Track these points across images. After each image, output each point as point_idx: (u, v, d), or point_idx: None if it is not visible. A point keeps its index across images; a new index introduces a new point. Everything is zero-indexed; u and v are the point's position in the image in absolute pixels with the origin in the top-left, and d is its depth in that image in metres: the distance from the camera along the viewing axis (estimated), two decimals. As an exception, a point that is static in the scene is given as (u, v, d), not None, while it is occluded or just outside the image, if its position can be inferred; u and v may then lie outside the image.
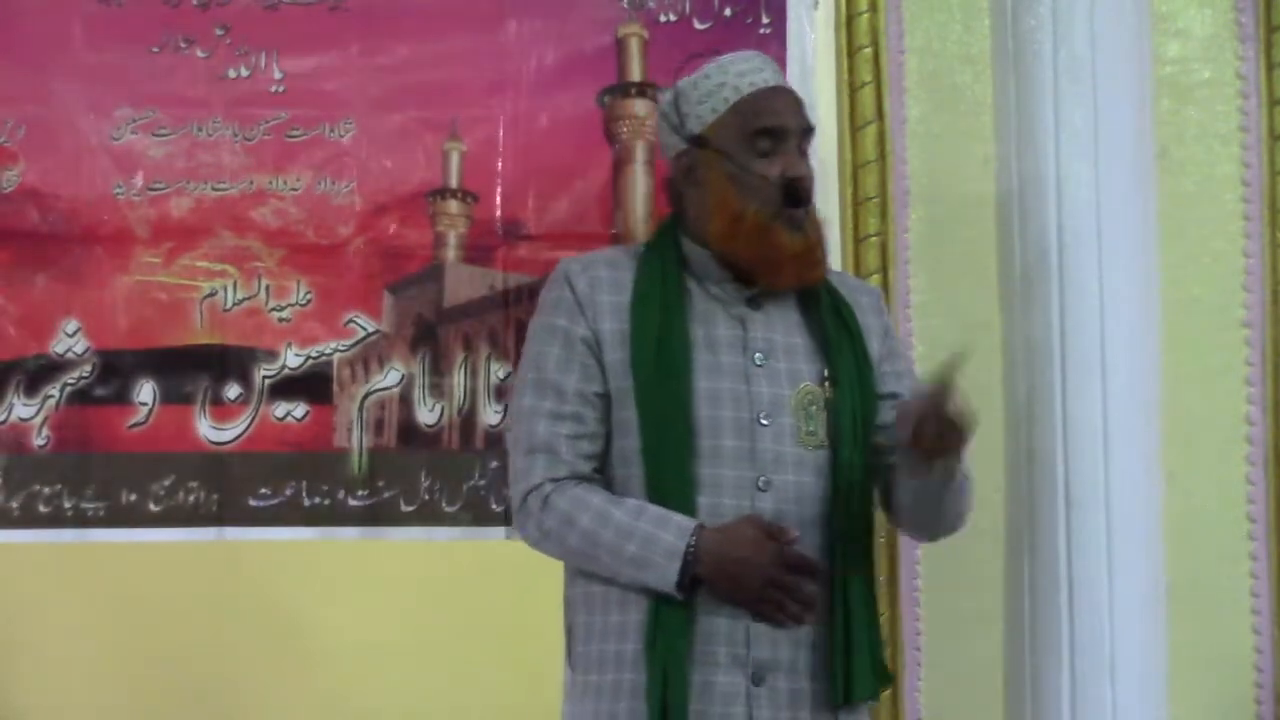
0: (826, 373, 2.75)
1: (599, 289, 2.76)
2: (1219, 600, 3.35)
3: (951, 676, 3.40)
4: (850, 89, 3.41)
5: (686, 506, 2.66)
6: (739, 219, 2.71)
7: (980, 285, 3.39)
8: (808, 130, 2.76)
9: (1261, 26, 3.35)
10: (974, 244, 3.40)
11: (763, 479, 2.70)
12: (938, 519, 2.80)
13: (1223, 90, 3.38)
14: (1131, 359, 3.28)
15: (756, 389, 2.72)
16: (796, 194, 2.70)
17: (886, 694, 3.37)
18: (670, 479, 2.68)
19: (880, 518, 2.88)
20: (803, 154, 2.74)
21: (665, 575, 2.63)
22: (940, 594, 3.40)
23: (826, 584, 2.70)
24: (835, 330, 2.77)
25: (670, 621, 2.65)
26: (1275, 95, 3.34)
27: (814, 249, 2.74)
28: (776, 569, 2.63)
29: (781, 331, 2.77)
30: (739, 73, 2.75)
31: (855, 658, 2.67)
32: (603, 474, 2.75)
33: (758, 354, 2.74)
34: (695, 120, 2.76)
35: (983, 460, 3.31)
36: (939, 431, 2.54)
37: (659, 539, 2.64)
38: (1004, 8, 3.35)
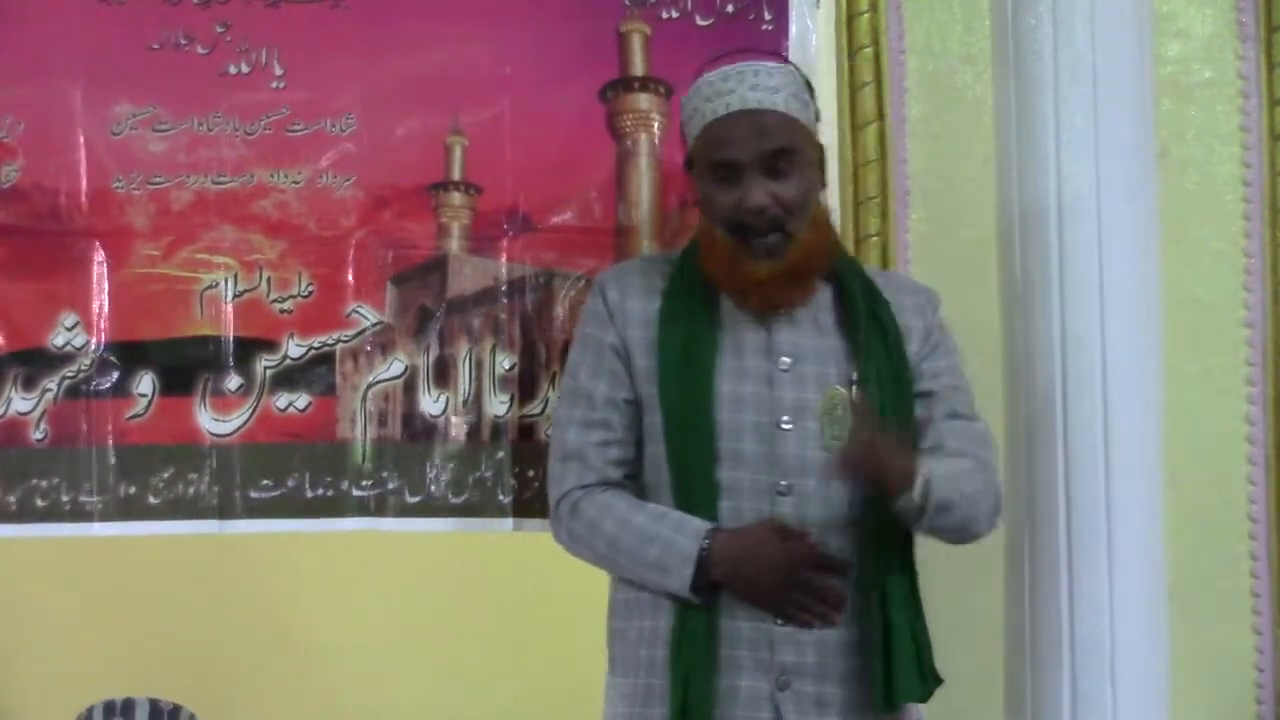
0: (855, 376, 2.75)
1: (629, 296, 2.81)
2: (1219, 600, 3.36)
3: (952, 677, 3.35)
4: (851, 89, 3.41)
5: (710, 511, 2.69)
6: (712, 244, 2.75)
7: (980, 285, 3.39)
8: (782, 151, 2.71)
9: (1262, 26, 3.36)
10: (974, 244, 3.41)
11: (784, 483, 2.71)
12: (943, 535, 2.80)
13: (1223, 90, 3.39)
14: (1131, 359, 3.29)
15: (780, 393, 2.74)
16: (741, 227, 2.70)
17: (886, 694, 3.37)
18: (693, 484, 2.71)
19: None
20: (781, 174, 2.71)
21: (680, 578, 2.65)
22: (940, 594, 3.37)
23: (858, 587, 2.71)
24: (868, 332, 2.77)
25: (693, 627, 2.67)
26: (1276, 95, 3.35)
27: (784, 273, 2.72)
28: (796, 568, 2.65)
29: (811, 335, 2.78)
30: (708, 96, 2.75)
31: (897, 662, 2.68)
32: (638, 480, 2.78)
33: (784, 358, 2.76)
34: (687, 140, 2.81)
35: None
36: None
37: (676, 543, 2.67)
38: (1004, 8, 3.36)
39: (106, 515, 3.20)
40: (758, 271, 2.71)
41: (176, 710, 3.35)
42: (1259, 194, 3.36)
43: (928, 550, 3.35)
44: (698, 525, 2.67)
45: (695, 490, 2.70)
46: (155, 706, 3.32)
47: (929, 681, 2.74)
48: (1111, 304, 3.26)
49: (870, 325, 2.78)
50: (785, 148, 2.71)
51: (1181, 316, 3.36)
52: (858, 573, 2.71)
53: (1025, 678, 3.30)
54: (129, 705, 3.31)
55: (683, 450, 2.71)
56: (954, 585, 3.37)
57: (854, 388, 2.75)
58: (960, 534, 2.78)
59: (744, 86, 2.73)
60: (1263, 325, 3.36)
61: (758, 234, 2.69)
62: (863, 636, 2.71)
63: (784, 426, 2.72)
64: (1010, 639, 3.34)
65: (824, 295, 2.81)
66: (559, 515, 2.79)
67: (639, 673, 2.74)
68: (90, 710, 3.32)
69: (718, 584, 2.66)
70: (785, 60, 2.91)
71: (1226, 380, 3.37)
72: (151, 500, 3.19)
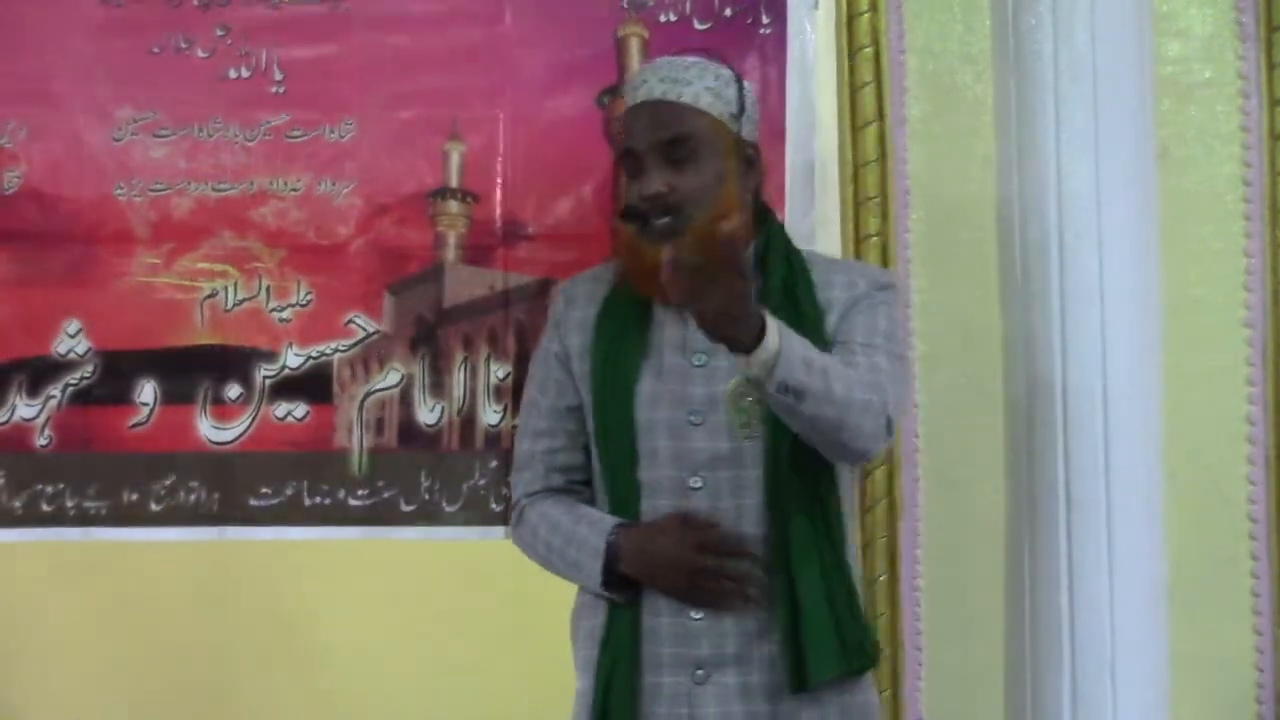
0: None
1: (573, 305, 2.86)
2: (1219, 600, 3.35)
3: (951, 677, 3.40)
4: (851, 89, 3.40)
5: (633, 511, 2.73)
6: (624, 237, 2.77)
7: (980, 285, 3.39)
8: (677, 140, 2.72)
9: (1262, 26, 3.35)
10: (974, 244, 3.40)
11: (695, 479, 2.72)
12: (811, 436, 2.64)
13: (1223, 90, 3.37)
14: (1132, 359, 3.28)
15: (692, 389, 2.74)
16: (629, 213, 2.72)
17: (887, 694, 3.38)
18: (619, 485, 2.75)
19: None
20: (679, 164, 2.71)
21: (593, 575, 2.72)
22: (940, 594, 3.40)
23: (773, 573, 2.69)
24: (779, 312, 2.67)
25: (619, 626, 2.72)
26: (1276, 95, 3.33)
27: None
28: (700, 556, 2.66)
29: None
30: (627, 91, 2.81)
31: (807, 640, 2.65)
32: (591, 485, 2.84)
33: (698, 354, 2.75)
34: None
35: (983, 460, 3.35)
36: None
37: (587, 540, 2.73)
38: (1005, 7, 3.35)
39: (110, 521, 3.22)
40: (652, 255, 2.67)
41: None
42: (1259, 194, 3.35)
43: (928, 550, 3.40)
44: (606, 522, 2.73)
45: (621, 491, 2.74)
46: None
47: (853, 655, 2.68)
48: (1111, 304, 3.26)
49: (785, 305, 2.73)
50: (680, 136, 2.72)
51: (1181, 316, 3.35)
52: (771, 558, 2.69)
53: (1025, 678, 3.30)
54: None
55: (608, 452, 2.76)
56: (954, 585, 3.39)
57: None
58: (831, 438, 2.62)
59: (654, 78, 2.77)
60: (1263, 325, 3.35)
61: (652, 219, 2.70)
62: (777, 620, 2.69)
63: (693, 421, 2.72)
64: (1010, 639, 3.34)
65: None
66: (512, 523, 2.89)
67: (586, 674, 2.78)
68: None
69: (628, 579, 2.70)
70: (729, 65, 2.85)
71: (1226, 380, 3.36)
72: (153, 507, 3.22)
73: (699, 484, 2.71)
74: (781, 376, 2.50)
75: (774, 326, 2.50)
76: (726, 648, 2.69)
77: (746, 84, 2.83)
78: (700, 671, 2.69)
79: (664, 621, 2.70)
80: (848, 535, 2.80)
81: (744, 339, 2.47)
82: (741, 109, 2.78)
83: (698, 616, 2.69)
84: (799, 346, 2.53)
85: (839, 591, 2.69)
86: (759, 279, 2.75)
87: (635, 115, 2.76)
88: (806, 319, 2.74)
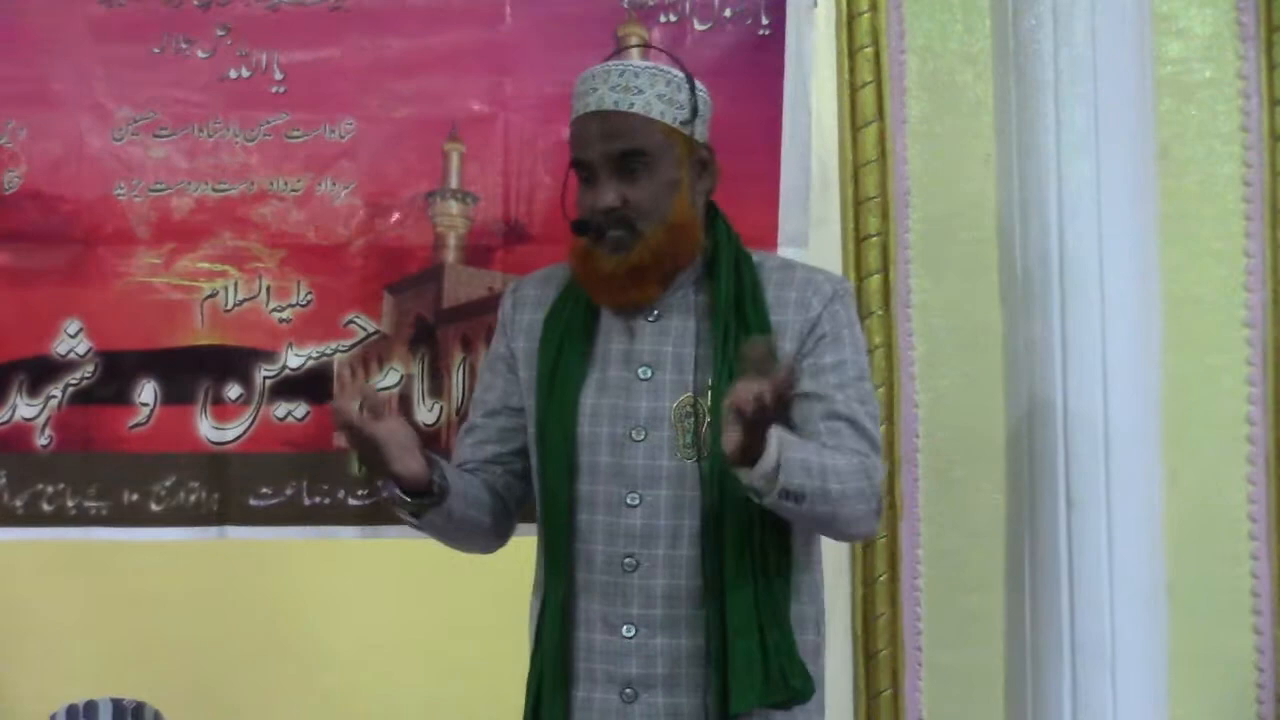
0: (710, 382, 2.68)
1: (521, 308, 2.84)
2: (1219, 600, 3.36)
3: (951, 676, 3.41)
4: (851, 89, 3.42)
5: (565, 523, 2.70)
6: (577, 248, 2.74)
7: (980, 285, 3.40)
8: (630, 153, 2.69)
9: (1262, 26, 3.36)
10: (974, 244, 3.41)
11: (632, 496, 2.69)
12: (808, 525, 2.68)
13: (1224, 90, 3.38)
14: (1132, 359, 3.28)
15: (635, 403, 2.71)
16: (581, 227, 2.70)
17: (887, 694, 3.39)
18: (552, 497, 2.72)
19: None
20: (632, 175, 2.69)
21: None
22: (940, 594, 3.41)
23: (705, 598, 2.65)
24: (725, 335, 2.70)
25: (548, 638, 2.71)
26: (1276, 95, 3.35)
27: (629, 270, 2.69)
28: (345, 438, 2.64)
29: (675, 342, 2.73)
30: (578, 94, 2.75)
31: (733, 670, 2.61)
32: (524, 480, 2.84)
33: (642, 367, 2.73)
34: None
35: (983, 460, 3.35)
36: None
37: None
38: (1005, 7, 3.35)
39: (110, 521, 3.23)
40: (605, 264, 2.69)
41: (140, 708, 3.39)
42: (1259, 194, 3.36)
43: (928, 550, 3.40)
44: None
45: (555, 503, 2.71)
46: (118, 706, 3.36)
47: (777, 688, 2.63)
48: (1111, 304, 3.26)
49: (736, 325, 2.70)
50: (633, 150, 2.69)
51: (1181, 316, 3.36)
52: (704, 582, 2.66)
53: (1025, 678, 3.30)
54: (91, 707, 3.36)
55: (545, 464, 2.73)
56: (954, 585, 3.40)
57: (709, 394, 2.67)
58: (828, 528, 2.68)
59: (605, 86, 2.72)
60: (1263, 325, 3.36)
61: (604, 231, 2.69)
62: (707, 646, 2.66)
63: (634, 438, 2.70)
64: (1010, 639, 3.35)
65: (699, 299, 2.75)
66: None
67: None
68: (54, 716, 3.36)
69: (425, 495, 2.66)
70: (681, 65, 2.80)
71: (1226, 380, 3.38)
72: (154, 507, 3.22)
73: (635, 501, 2.68)
74: (784, 484, 2.49)
75: (774, 437, 2.48)
76: (655, 668, 2.67)
77: (700, 85, 2.77)
78: (629, 691, 2.67)
79: (597, 639, 2.68)
80: (799, 559, 2.73)
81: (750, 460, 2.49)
82: (695, 112, 2.74)
83: (629, 635, 2.67)
84: (798, 451, 2.52)
85: (770, 622, 2.64)
86: (706, 286, 2.75)
87: (585, 124, 2.72)
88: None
